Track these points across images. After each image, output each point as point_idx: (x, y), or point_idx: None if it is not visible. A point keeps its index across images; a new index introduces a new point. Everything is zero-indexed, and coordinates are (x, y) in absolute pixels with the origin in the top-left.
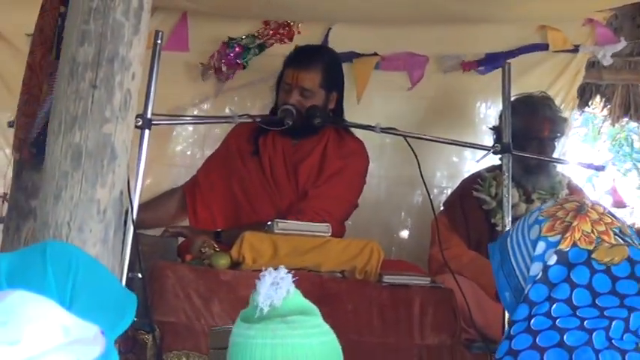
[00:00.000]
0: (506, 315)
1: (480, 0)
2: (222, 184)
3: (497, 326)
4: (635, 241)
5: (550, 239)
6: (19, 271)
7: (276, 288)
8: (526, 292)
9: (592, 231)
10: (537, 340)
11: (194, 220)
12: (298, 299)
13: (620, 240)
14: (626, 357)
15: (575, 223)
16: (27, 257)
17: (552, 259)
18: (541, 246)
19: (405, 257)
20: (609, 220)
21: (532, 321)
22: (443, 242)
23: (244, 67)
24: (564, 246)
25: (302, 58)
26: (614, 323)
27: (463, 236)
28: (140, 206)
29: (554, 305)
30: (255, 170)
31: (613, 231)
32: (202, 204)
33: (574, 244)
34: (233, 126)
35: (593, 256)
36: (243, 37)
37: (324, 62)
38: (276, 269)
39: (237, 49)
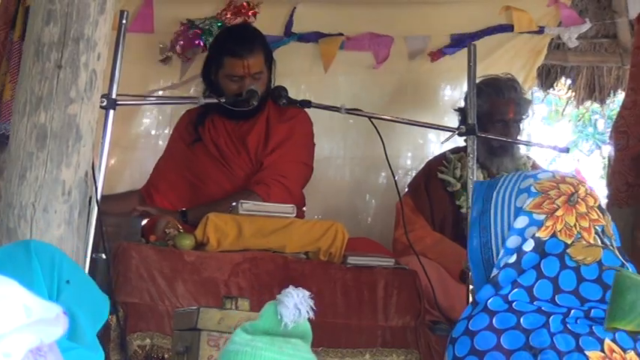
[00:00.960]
0: (470, 297)
1: None
2: (175, 175)
3: (461, 308)
4: (614, 244)
5: (534, 217)
6: (4, 265)
7: (299, 309)
8: (495, 273)
9: (575, 225)
10: (494, 321)
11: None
12: (305, 324)
13: (598, 240)
14: (580, 340)
15: (560, 213)
16: (10, 252)
17: (529, 245)
18: (523, 220)
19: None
20: (595, 217)
21: (490, 301)
22: (407, 224)
23: (205, 47)
24: (544, 235)
25: (244, 46)
26: (572, 312)
27: (427, 218)
28: (100, 199)
29: (515, 290)
30: (203, 153)
31: (595, 229)
32: (160, 198)
33: (553, 235)
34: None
35: (568, 251)
36: (203, 19)
37: (261, 41)
38: (297, 288)
39: (196, 31)
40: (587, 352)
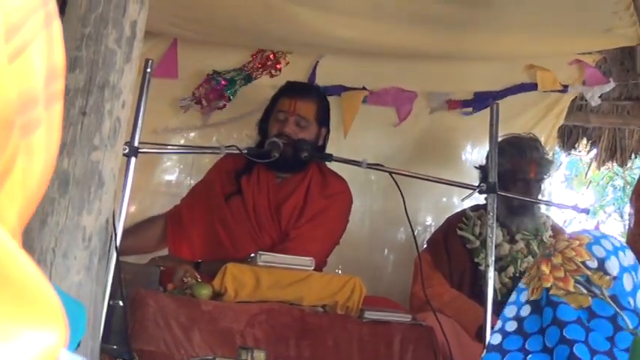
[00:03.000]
0: None
1: (469, 38)
2: (204, 220)
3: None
4: (606, 293)
5: (520, 286)
6: None
7: None
8: (499, 342)
9: (549, 274)
10: None
11: (173, 249)
12: None
13: (581, 288)
14: None
15: (534, 271)
16: None
17: (526, 311)
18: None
19: (387, 294)
20: (574, 267)
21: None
22: (425, 280)
23: (230, 100)
24: (535, 296)
25: (298, 88)
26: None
27: (446, 274)
28: (123, 232)
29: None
30: (238, 209)
31: (575, 278)
32: (183, 236)
33: (543, 289)
34: (219, 156)
35: (551, 292)
36: (229, 70)
37: (318, 96)
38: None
39: (222, 82)
40: None
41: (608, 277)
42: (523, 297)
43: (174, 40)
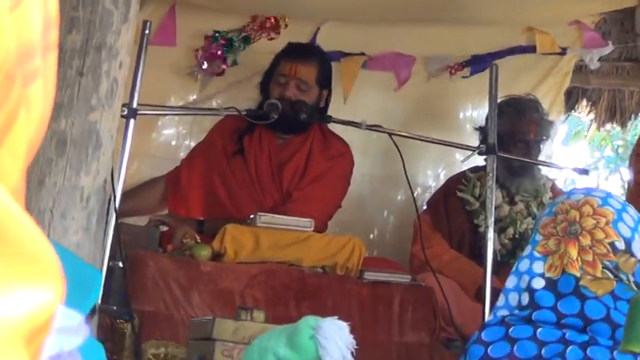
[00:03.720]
0: (485, 315)
1: (468, 1)
2: (204, 180)
3: (476, 326)
4: (631, 279)
5: (534, 254)
6: None
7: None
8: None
9: (577, 258)
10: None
11: (173, 208)
12: None
13: (608, 274)
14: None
15: (563, 247)
16: None
17: (539, 284)
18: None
19: (387, 254)
20: (603, 252)
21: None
22: (425, 241)
23: (227, 64)
24: (552, 274)
25: (299, 51)
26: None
27: (445, 235)
28: (122, 194)
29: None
30: (240, 169)
31: (603, 264)
32: (183, 197)
33: (563, 271)
34: (219, 118)
35: (581, 283)
36: (228, 31)
37: (320, 58)
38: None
39: (221, 41)
40: None
41: (633, 260)
42: (537, 267)
43: (171, 7)
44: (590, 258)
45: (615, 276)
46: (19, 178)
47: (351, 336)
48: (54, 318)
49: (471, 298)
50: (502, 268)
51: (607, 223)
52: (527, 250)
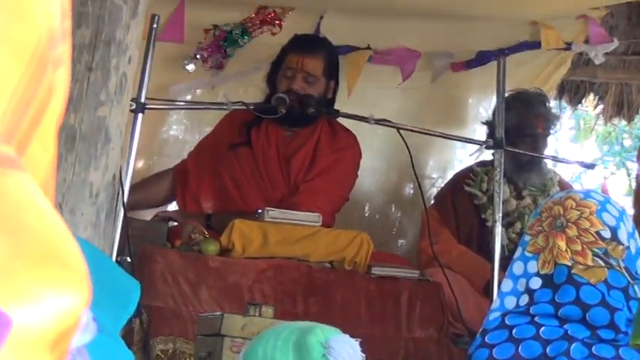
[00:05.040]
0: None
1: None
2: (212, 173)
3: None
4: (622, 264)
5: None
6: None
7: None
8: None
9: (566, 249)
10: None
11: (182, 203)
12: None
13: (599, 261)
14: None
15: (551, 241)
16: None
17: (536, 283)
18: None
19: (395, 249)
20: (591, 239)
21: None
22: (433, 236)
23: (227, 55)
24: (546, 270)
25: (306, 43)
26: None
27: (453, 230)
28: (131, 187)
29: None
30: (247, 161)
31: (593, 251)
32: (191, 190)
33: (556, 264)
34: (226, 113)
35: (574, 271)
36: (228, 24)
37: (326, 50)
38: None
39: (219, 33)
40: None
41: (621, 247)
42: (531, 267)
43: (181, 1)
44: (579, 248)
45: (606, 263)
46: (48, 171)
47: (363, 355)
48: (79, 323)
49: (479, 294)
50: (509, 262)
51: (591, 213)
52: (518, 252)
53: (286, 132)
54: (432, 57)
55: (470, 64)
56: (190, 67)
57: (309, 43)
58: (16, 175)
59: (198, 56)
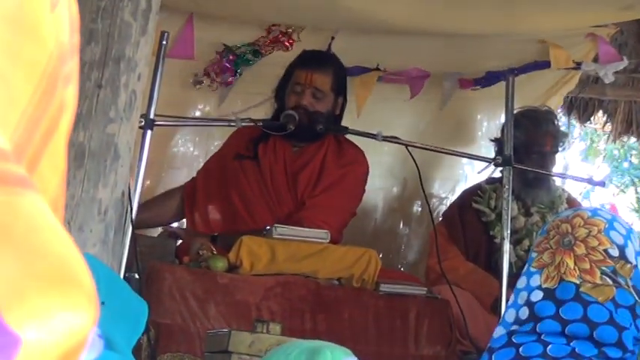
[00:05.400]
0: None
1: (481, 16)
2: (220, 190)
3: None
4: (630, 283)
5: (530, 269)
6: None
7: None
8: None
9: (574, 267)
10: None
11: (191, 223)
12: None
13: (607, 279)
14: None
15: (558, 258)
16: None
17: (537, 296)
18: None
19: (403, 267)
20: (599, 258)
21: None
22: (441, 253)
23: (236, 73)
24: (549, 284)
25: (314, 59)
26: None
27: (461, 248)
28: (140, 205)
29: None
30: (254, 176)
31: (601, 269)
32: (199, 208)
33: (561, 279)
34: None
35: (582, 290)
36: (240, 45)
37: (335, 66)
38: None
39: (231, 57)
40: None
41: (629, 266)
42: (534, 281)
43: (189, 18)
44: (587, 266)
45: (614, 281)
46: (59, 189)
47: None
48: (87, 341)
49: (487, 311)
50: (517, 280)
51: (599, 231)
52: (525, 269)
53: (293, 147)
54: (441, 78)
55: (478, 82)
56: (199, 85)
57: (317, 59)
58: (27, 194)
59: (206, 74)
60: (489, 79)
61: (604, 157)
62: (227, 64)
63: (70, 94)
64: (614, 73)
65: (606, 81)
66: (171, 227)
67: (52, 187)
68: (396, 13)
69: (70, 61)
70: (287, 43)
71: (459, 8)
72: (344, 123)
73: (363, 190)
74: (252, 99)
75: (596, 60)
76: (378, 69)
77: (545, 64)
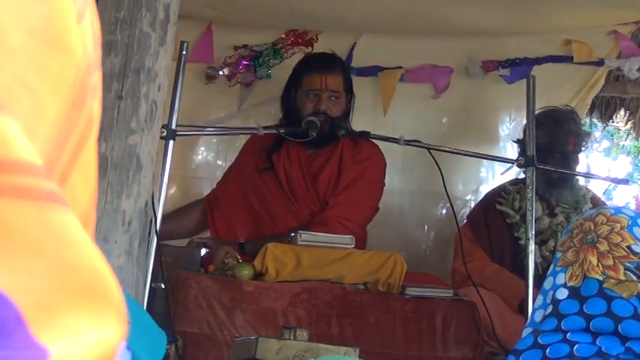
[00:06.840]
0: None
1: (505, 13)
2: (241, 198)
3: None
4: None
5: (555, 269)
6: None
7: None
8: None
9: (598, 264)
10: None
11: (215, 233)
12: None
13: (631, 275)
14: None
15: (582, 256)
16: None
17: (563, 294)
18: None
19: (428, 270)
20: (623, 254)
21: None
22: (466, 255)
23: (257, 75)
24: (574, 282)
25: (323, 62)
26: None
27: (486, 249)
28: (164, 217)
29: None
30: (273, 184)
31: (625, 265)
32: (222, 217)
33: (585, 277)
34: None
35: (605, 286)
36: (260, 44)
37: (342, 65)
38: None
39: (250, 53)
40: None
41: None
42: (559, 279)
43: (208, 24)
44: (610, 262)
45: (638, 277)
46: (89, 205)
47: None
48: (116, 355)
49: (513, 312)
50: (543, 280)
51: (622, 228)
52: (550, 269)
53: (309, 150)
54: (464, 71)
55: (503, 65)
56: (211, 81)
57: (326, 62)
58: (58, 210)
59: (221, 72)
60: (514, 72)
61: (628, 154)
62: (245, 61)
63: (96, 108)
64: (637, 71)
65: (630, 77)
66: (200, 237)
67: (83, 201)
68: (418, 15)
69: (95, 73)
70: (307, 43)
71: (483, 8)
72: (368, 123)
73: (383, 184)
74: (271, 103)
75: (618, 57)
76: (399, 67)
77: (567, 59)
